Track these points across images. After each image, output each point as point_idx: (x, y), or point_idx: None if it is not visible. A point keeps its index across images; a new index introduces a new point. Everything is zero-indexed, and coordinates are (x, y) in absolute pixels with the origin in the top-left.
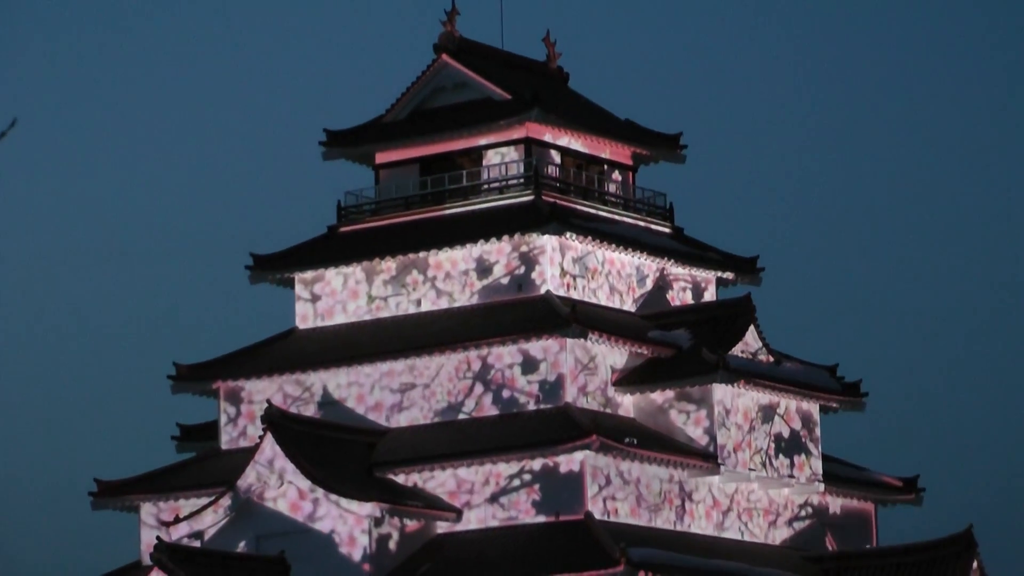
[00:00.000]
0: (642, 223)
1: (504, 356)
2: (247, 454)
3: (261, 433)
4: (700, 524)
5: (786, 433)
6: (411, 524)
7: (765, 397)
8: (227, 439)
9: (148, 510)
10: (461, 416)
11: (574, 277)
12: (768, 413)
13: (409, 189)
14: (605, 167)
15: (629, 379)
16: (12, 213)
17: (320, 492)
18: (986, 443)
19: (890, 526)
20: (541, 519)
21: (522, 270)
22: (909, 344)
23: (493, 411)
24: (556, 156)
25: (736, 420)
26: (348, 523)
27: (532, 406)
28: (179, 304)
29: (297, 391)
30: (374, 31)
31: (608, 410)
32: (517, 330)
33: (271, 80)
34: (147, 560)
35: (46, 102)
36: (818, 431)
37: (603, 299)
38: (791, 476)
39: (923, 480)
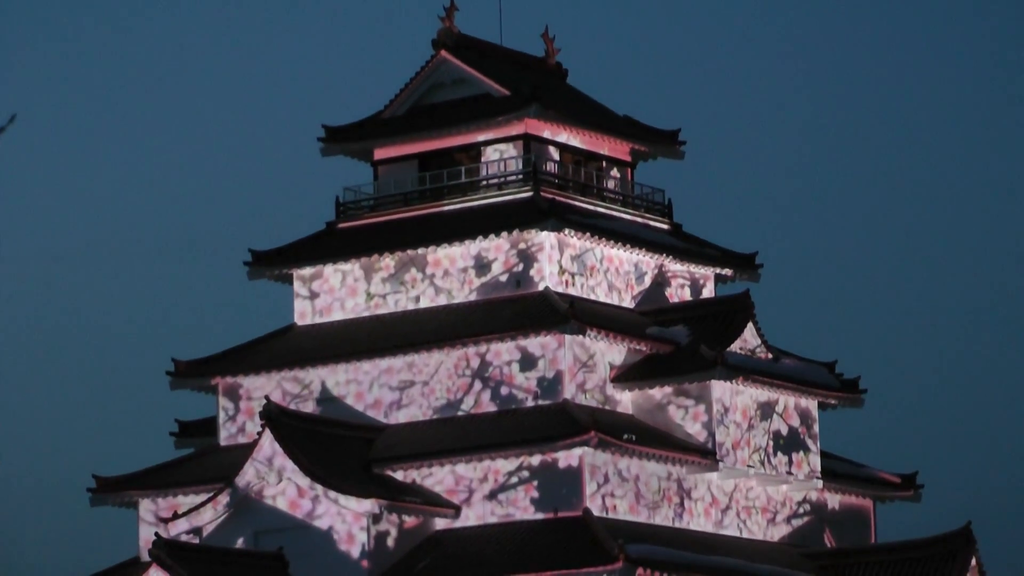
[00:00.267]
0: (641, 219)
1: (503, 353)
2: (246, 450)
3: (260, 429)
4: (699, 521)
5: (784, 430)
6: (409, 520)
7: (763, 394)
8: (226, 435)
9: (147, 506)
10: (460, 413)
11: (572, 275)
12: (767, 410)
13: (408, 185)
14: (604, 163)
15: (627, 376)
16: (10, 210)
17: (319, 488)
18: (985, 440)
19: (889, 523)
20: (539, 516)
21: (520, 267)
22: (908, 341)
23: (492, 408)
24: (555, 152)
25: (735, 418)
26: (347, 519)
27: (531, 403)
28: (178, 300)
29: (296, 387)
30: (373, 27)
31: (607, 407)
32: (516, 327)
33: (270, 76)
34: (146, 556)
35: (44, 99)
36: (816, 428)
37: (601, 295)
38: (790, 473)
39: (922, 477)
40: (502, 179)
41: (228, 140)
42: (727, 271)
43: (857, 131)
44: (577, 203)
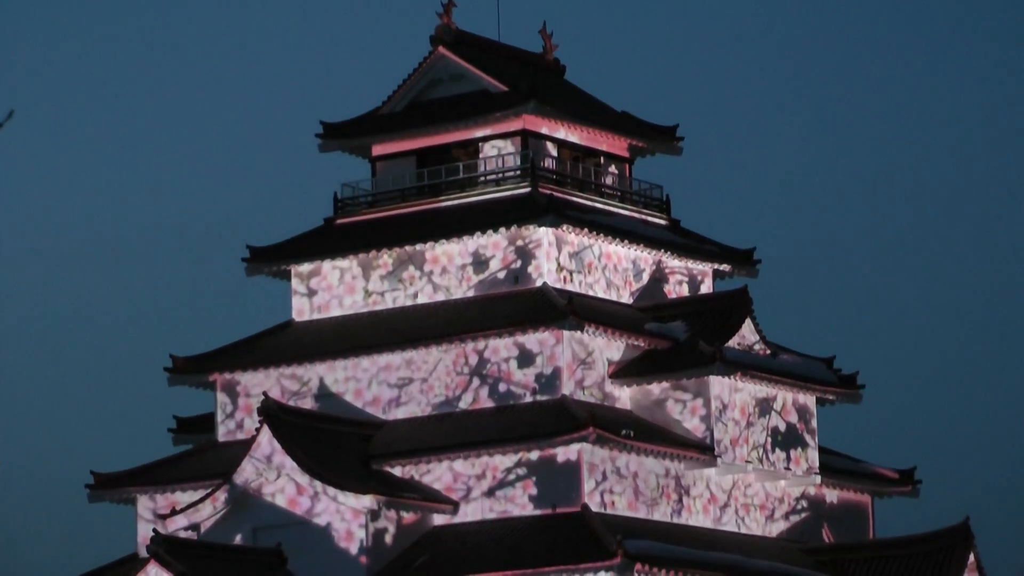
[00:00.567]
0: (639, 215)
1: (501, 349)
2: (244, 447)
3: (258, 426)
4: (697, 517)
5: (783, 425)
6: (408, 516)
7: (762, 389)
8: (224, 431)
9: (145, 503)
10: (458, 409)
11: (570, 272)
12: (765, 405)
13: (406, 181)
14: (601, 159)
15: (626, 371)
16: (9, 207)
17: (317, 485)
18: (983, 435)
19: (887, 518)
20: (538, 512)
21: (518, 263)
22: (905, 336)
23: (490, 404)
24: (552, 148)
25: (733, 413)
26: (345, 515)
27: (529, 399)
28: (176, 296)
29: (294, 384)
30: (371, 23)
31: (605, 403)
32: (514, 323)
33: (268, 73)
34: (144, 552)
35: (41, 95)
36: (815, 423)
37: (600, 291)
38: (788, 468)
39: (920, 472)
40: (500, 175)
41: (226, 136)
42: (725, 267)
43: (855, 127)
44: (575, 199)
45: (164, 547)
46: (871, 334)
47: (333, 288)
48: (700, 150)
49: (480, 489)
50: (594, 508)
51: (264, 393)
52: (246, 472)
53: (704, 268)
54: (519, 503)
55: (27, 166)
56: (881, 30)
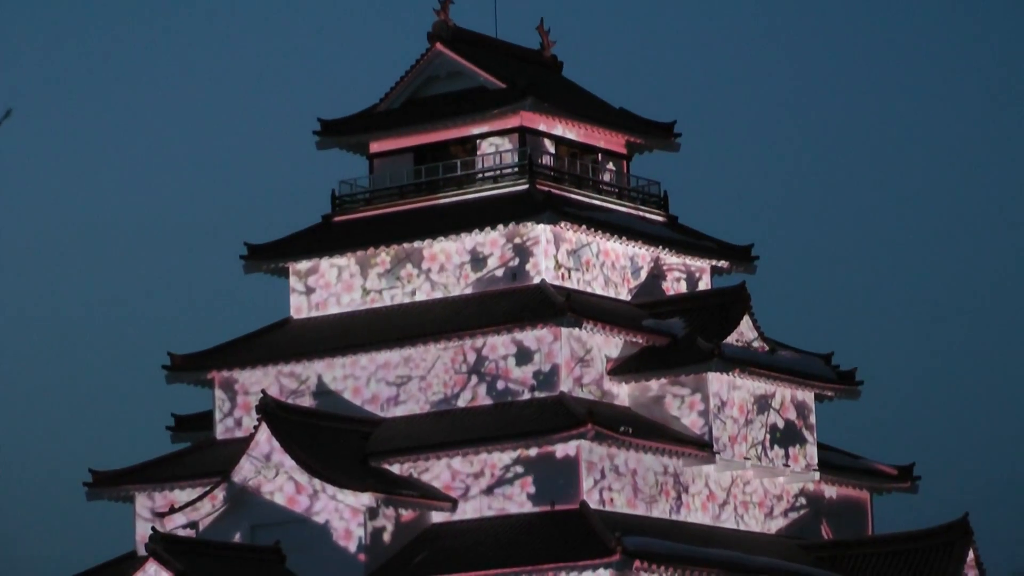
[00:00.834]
0: (636, 212)
1: (499, 346)
2: (242, 444)
3: (256, 423)
4: (696, 514)
5: (781, 422)
6: (406, 514)
7: (760, 386)
8: (222, 429)
9: (143, 501)
10: (456, 407)
11: (568, 269)
12: (763, 402)
13: (403, 178)
14: (599, 156)
15: (624, 368)
16: (7, 204)
17: (315, 482)
18: (982, 431)
19: (885, 514)
20: (536, 509)
21: (516, 260)
22: (904, 332)
23: (488, 401)
24: (550, 145)
25: (732, 410)
26: (343, 513)
27: (527, 396)
28: (173, 294)
29: (292, 382)
30: (368, 20)
31: (603, 400)
32: (512, 320)
33: (265, 70)
34: (142, 551)
35: (41, 93)
36: (813, 419)
37: (598, 288)
38: (786, 465)
39: (919, 468)
40: (498, 172)
41: (223, 134)
42: (723, 263)
43: (853, 123)
44: (573, 196)
45: (162, 545)
46: (869, 330)
47: (331, 286)
48: (698, 147)
49: (478, 486)
50: (593, 505)
51: (262, 391)
52: (244, 470)
53: (702, 264)
54: (518, 500)
55: (25, 164)
56: (879, 26)
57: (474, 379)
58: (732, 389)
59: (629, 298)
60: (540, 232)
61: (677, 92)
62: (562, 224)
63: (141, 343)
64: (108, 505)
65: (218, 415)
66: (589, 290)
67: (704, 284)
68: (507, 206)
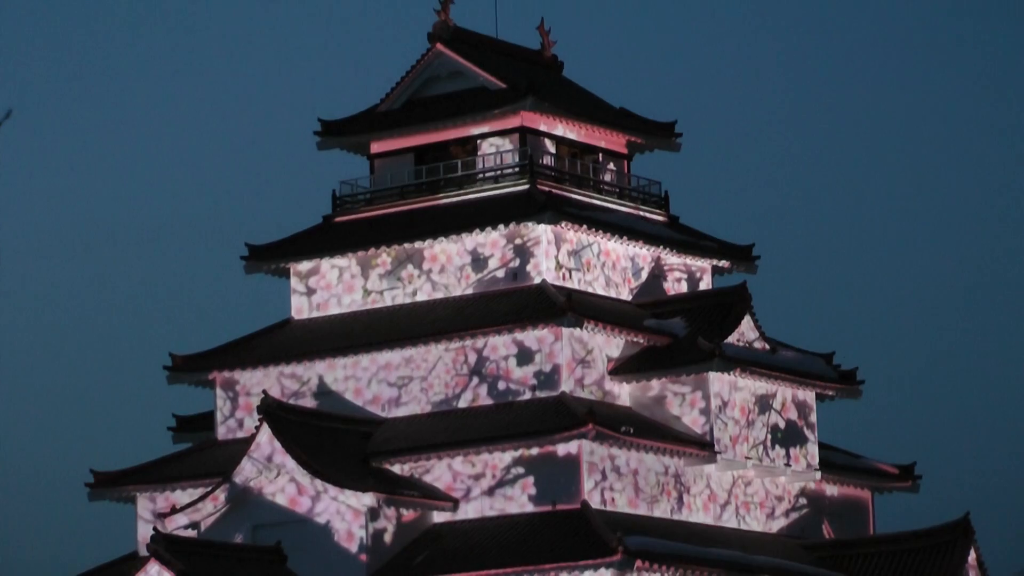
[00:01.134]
0: (637, 212)
1: (500, 346)
2: (243, 445)
3: (257, 424)
4: (698, 514)
5: (782, 422)
6: (408, 514)
7: (761, 385)
8: (223, 430)
9: (145, 501)
10: (457, 407)
11: (569, 269)
12: (764, 401)
13: (404, 179)
14: (600, 156)
15: (625, 368)
16: (7, 204)
17: (317, 482)
18: (983, 430)
19: (887, 513)
20: (538, 509)
21: (517, 260)
22: (905, 332)
23: (489, 401)
24: (551, 145)
25: (733, 410)
26: (344, 513)
27: (528, 396)
28: (175, 295)
29: (293, 382)
30: (368, 20)
31: (604, 400)
32: (513, 320)
33: (266, 71)
34: (144, 551)
35: (42, 93)
36: (814, 419)
37: (599, 288)
38: (788, 464)
39: (920, 467)
40: (498, 172)
41: (224, 134)
42: (724, 263)
43: (854, 123)
44: (573, 196)
45: (164, 545)
46: (870, 330)
47: (332, 286)
48: (699, 146)
49: (480, 487)
50: (594, 505)
51: (264, 391)
52: (246, 470)
53: (703, 264)
54: (519, 500)
55: (26, 164)
56: (880, 26)
57: (475, 379)
58: (733, 389)
59: (630, 298)
60: (541, 232)
61: (678, 92)
62: (563, 224)
63: (142, 344)
64: (110, 506)
65: (219, 416)
66: (590, 290)
67: (705, 284)
68: (508, 206)
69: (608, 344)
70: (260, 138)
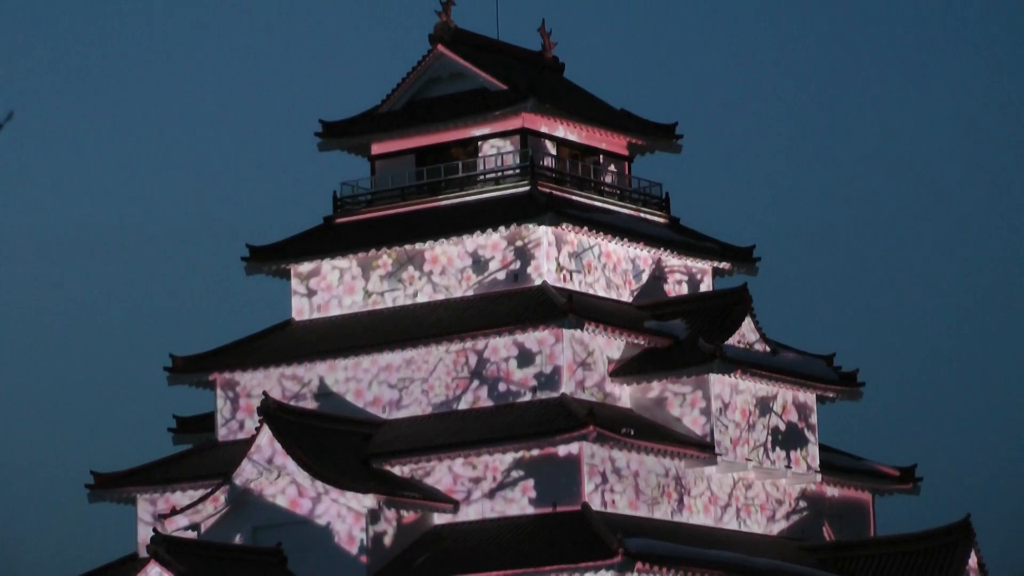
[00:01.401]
0: (638, 213)
1: (500, 348)
2: (244, 446)
3: (258, 425)
4: (698, 516)
5: (783, 423)
6: (408, 516)
7: (762, 387)
8: (224, 431)
9: (145, 502)
10: (458, 408)
11: (570, 271)
12: (765, 403)
13: (405, 180)
14: (601, 157)
15: (626, 370)
16: (8, 206)
17: (317, 484)
18: (984, 432)
19: (888, 516)
20: (538, 511)
21: (518, 261)
22: (906, 333)
23: (490, 403)
24: (552, 146)
25: (734, 412)
26: (345, 515)
27: (529, 397)
28: (175, 296)
29: (294, 383)
30: (369, 22)
31: (605, 401)
32: (513, 321)
33: (267, 71)
34: (144, 552)
35: (43, 94)
36: (815, 421)
37: (599, 290)
38: (788, 466)
39: (920, 469)
40: (499, 174)
41: (225, 135)
42: (725, 265)
43: (855, 124)
44: (574, 197)
45: (164, 547)
46: (871, 331)
47: (333, 287)
48: (699, 148)
49: (480, 488)
50: (594, 507)
51: (264, 393)
52: (246, 472)
53: (704, 266)
54: (519, 502)
55: (27, 165)
56: (881, 27)
57: (476, 381)
58: (734, 391)
59: (631, 300)
60: (542, 234)
61: (678, 93)
62: (564, 226)
63: (143, 345)
64: (110, 507)
65: (220, 417)
66: (591, 292)
67: (706, 286)
68: (509, 208)
69: (609, 346)
70: (261, 139)
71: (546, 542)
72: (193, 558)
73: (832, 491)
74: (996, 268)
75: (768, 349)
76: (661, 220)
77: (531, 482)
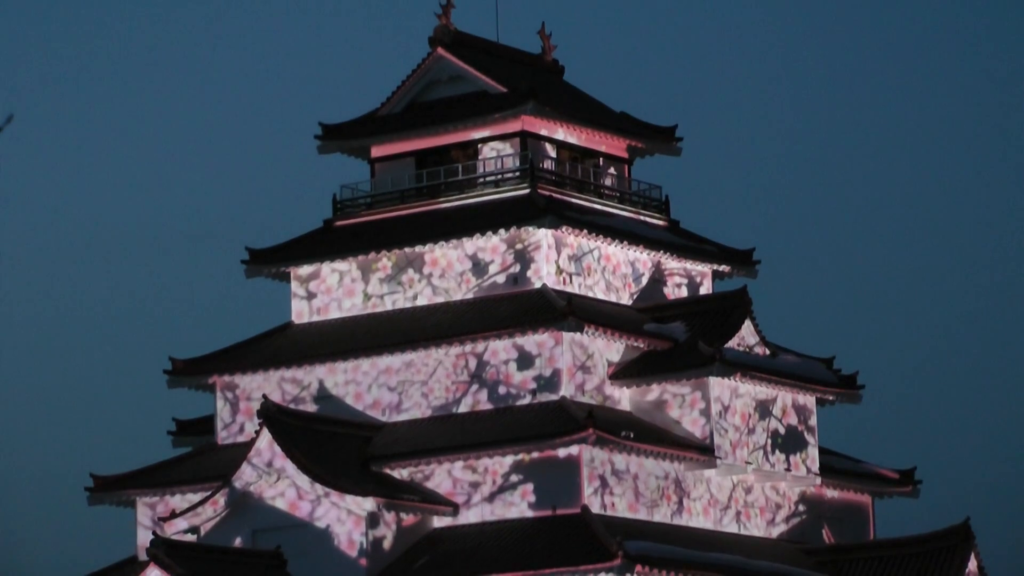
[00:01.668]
0: (638, 216)
1: (500, 351)
2: (243, 449)
3: (257, 428)
4: (698, 518)
5: (783, 426)
6: (408, 518)
7: (762, 390)
8: (223, 434)
9: (144, 505)
10: (458, 411)
11: (570, 273)
12: (765, 406)
13: (405, 183)
14: (600, 160)
15: (625, 373)
16: (8, 208)
17: (317, 487)
18: (983, 435)
19: (887, 518)
20: (538, 513)
21: (518, 264)
22: (905, 336)
23: (489, 406)
24: (551, 149)
25: (733, 415)
26: (345, 518)
27: (528, 400)
28: (175, 299)
29: (293, 386)
30: (369, 24)
31: (605, 404)
32: (513, 324)
33: (266, 74)
34: (143, 555)
35: (42, 96)
36: (814, 423)
37: (599, 292)
38: (788, 469)
39: (920, 472)
40: (499, 176)
41: (225, 138)
42: (725, 267)
43: (854, 127)
44: (574, 200)
45: (164, 550)
46: (871, 334)
47: (332, 290)
48: (699, 151)
49: (480, 491)
50: (594, 509)
51: (264, 395)
52: (246, 475)
53: (703, 269)
54: (519, 505)
55: (27, 167)
56: (880, 29)
57: (475, 384)
58: (733, 393)
59: (630, 302)
60: (541, 236)
61: (678, 96)
62: (563, 228)
63: (143, 347)
64: (109, 510)
65: (219, 420)
66: (590, 294)
67: (705, 288)
68: (508, 211)
69: (608, 348)
70: (261, 142)
71: (546, 545)
72: (192, 561)
73: (832, 494)
74: (996, 271)
75: (768, 352)
76: (661, 223)
77: (531, 485)
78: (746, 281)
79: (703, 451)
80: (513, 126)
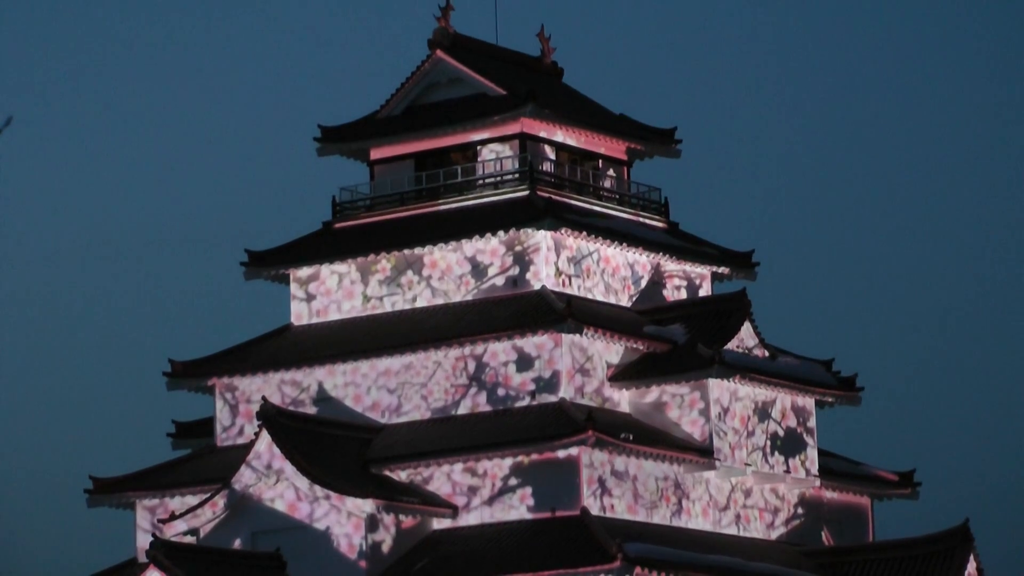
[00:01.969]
0: (637, 218)
1: (499, 353)
2: (243, 451)
3: (257, 430)
4: (697, 520)
5: (782, 428)
6: (407, 520)
7: (761, 392)
8: (223, 436)
9: (144, 507)
10: (457, 413)
11: (569, 276)
12: (764, 408)
13: (404, 185)
14: (600, 162)
15: (625, 375)
16: (8, 210)
17: (316, 489)
18: (983, 437)
19: (886, 520)
20: (537, 515)
21: (517, 267)
22: (905, 338)
23: (488, 408)
24: (551, 151)
25: (732, 417)
26: (344, 520)
27: (527, 402)
28: (174, 301)
29: (293, 388)
30: (368, 27)
31: (604, 406)
32: (512, 326)
33: (266, 76)
34: (143, 557)
35: (42, 99)
36: (814, 425)
37: (598, 295)
38: (787, 471)
39: (919, 474)
40: (498, 178)
41: (224, 140)
42: (724, 269)
43: (854, 129)
44: (573, 202)
45: (163, 552)
46: (870, 336)
47: (332, 292)
48: (698, 153)
49: (479, 493)
50: (593, 511)
51: (263, 398)
52: (245, 477)
53: (703, 271)
54: (518, 507)
55: (27, 170)
56: (879, 31)
57: (475, 386)
58: (733, 395)
59: (630, 305)
60: (541, 239)
61: (677, 98)
62: (563, 231)
63: (142, 349)
64: (109, 512)
65: (219, 422)
66: (590, 297)
67: (705, 290)
68: (508, 213)
69: (608, 351)
70: (260, 144)
71: (545, 547)
72: (192, 563)
73: (831, 496)
74: (996, 273)
75: (767, 354)
76: (660, 225)
77: (530, 487)
78: (745, 283)
79: (702, 453)
80: (512, 128)
